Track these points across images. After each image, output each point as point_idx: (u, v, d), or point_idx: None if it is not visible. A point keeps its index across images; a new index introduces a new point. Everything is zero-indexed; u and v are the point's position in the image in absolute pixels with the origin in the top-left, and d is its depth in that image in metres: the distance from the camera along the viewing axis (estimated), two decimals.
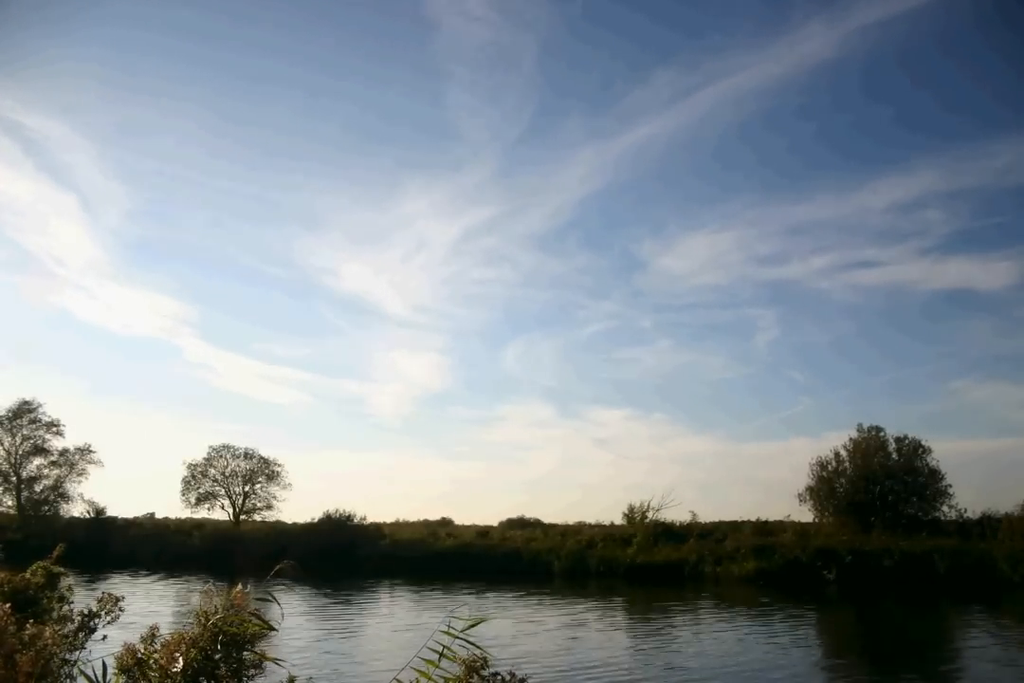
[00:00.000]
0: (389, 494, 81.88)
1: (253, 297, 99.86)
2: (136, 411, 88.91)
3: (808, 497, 40.11)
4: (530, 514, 53.86)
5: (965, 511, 37.88)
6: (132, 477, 76.22)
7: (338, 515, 45.20)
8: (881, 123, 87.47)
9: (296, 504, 64.74)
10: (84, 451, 49.40)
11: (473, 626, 3.57)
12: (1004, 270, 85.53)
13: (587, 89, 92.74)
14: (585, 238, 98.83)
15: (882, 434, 39.94)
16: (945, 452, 60.47)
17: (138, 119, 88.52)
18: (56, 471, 48.89)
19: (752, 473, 75.55)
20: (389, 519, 52.54)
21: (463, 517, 57.41)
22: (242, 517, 49.90)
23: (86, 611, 4.87)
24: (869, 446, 39.55)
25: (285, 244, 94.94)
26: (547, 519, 51.67)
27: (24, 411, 48.36)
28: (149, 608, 21.91)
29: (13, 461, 48.19)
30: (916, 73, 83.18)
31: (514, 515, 53.71)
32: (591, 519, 47.76)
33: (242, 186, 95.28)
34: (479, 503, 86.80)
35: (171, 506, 71.29)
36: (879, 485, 38.63)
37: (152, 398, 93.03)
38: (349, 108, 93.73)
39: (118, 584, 30.16)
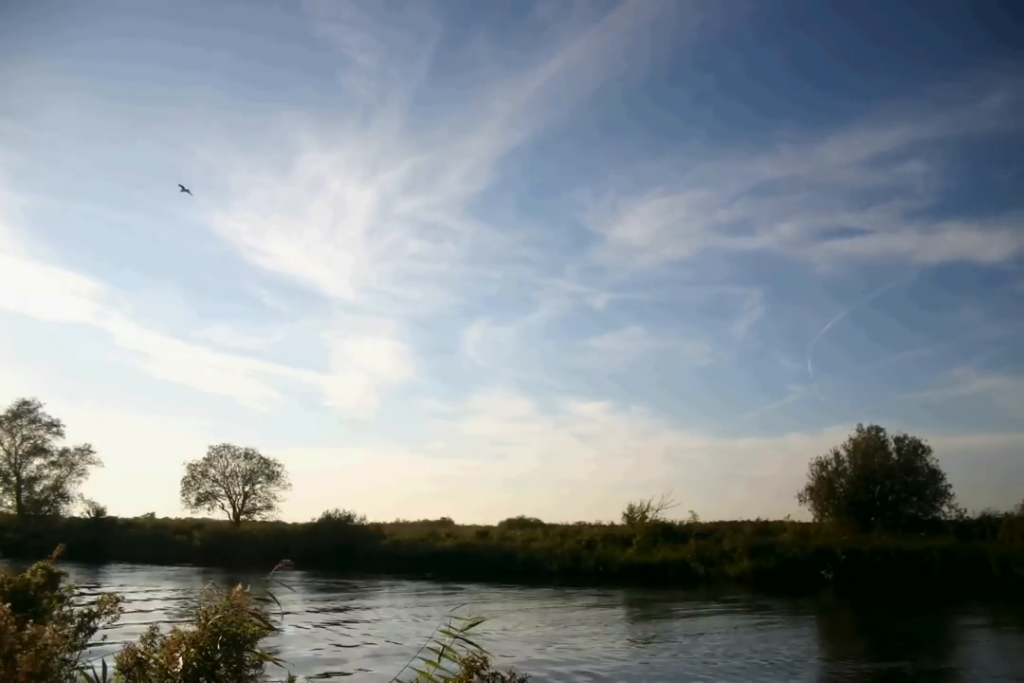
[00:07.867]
0: (365, 492, 78.44)
1: (177, 276, 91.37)
2: (76, 403, 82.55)
3: (808, 497, 40.15)
4: (518, 513, 53.79)
5: (965, 511, 37.95)
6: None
7: (338, 515, 45.24)
8: (875, 39, 74.43)
9: (284, 503, 63.82)
10: (84, 451, 49.44)
11: (473, 626, 3.58)
12: (1003, 239, 75.78)
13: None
14: (519, 204, 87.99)
15: (882, 434, 40.05)
16: (946, 448, 58.90)
17: None
18: (56, 471, 49.01)
19: (748, 471, 72.71)
20: (384, 519, 52.40)
21: (454, 516, 57.16)
22: (242, 517, 49.95)
23: (86, 611, 4.87)
24: (869, 446, 39.60)
25: (199, 216, 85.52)
26: (546, 519, 51.72)
27: (24, 411, 48.39)
28: (149, 608, 21.89)
29: (13, 461, 48.24)
30: None
31: (514, 515, 53.67)
32: (587, 517, 47.93)
33: (134, 155, 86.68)
34: (462, 502, 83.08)
35: (171, 506, 71.10)
36: (879, 485, 38.66)
37: (90, 389, 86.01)
38: (223, 56, 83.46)
39: (117, 584, 30.14)
